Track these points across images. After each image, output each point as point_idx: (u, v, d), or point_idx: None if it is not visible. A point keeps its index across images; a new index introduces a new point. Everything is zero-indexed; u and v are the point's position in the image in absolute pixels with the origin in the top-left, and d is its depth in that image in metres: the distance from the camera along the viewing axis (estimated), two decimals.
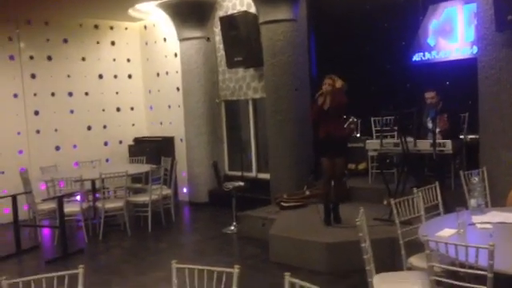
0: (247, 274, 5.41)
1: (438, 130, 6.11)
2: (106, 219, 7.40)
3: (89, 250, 6.90)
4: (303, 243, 5.72)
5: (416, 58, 7.77)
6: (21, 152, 9.13)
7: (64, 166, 9.04)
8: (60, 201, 6.67)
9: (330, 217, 6.09)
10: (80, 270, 2.87)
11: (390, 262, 4.96)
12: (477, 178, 4.13)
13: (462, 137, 6.68)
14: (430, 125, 6.37)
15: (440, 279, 3.06)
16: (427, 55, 7.64)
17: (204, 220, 8.50)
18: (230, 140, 9.69)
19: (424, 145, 5.91)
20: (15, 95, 9.08)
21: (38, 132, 9.34)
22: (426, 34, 7.63)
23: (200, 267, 2.80)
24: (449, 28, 7.37)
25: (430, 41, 7.60)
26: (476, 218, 3.76)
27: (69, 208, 7.10)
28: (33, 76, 9.29)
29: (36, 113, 9.32)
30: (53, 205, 7.10)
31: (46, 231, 8.00)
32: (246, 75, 8.97)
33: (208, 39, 9.06)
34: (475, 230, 3.54)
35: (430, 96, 6.42)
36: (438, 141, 5.77)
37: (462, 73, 6.89)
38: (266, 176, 8.45)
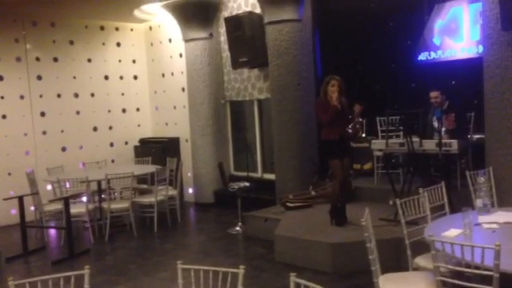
0: (252, 275, 5.43)
1: (444, 129, 6.08)
2: (112, 220, 7.43)
3: (95, 251, 6.93)
4: (308, 243, 5.71)
5: (421, 57, 7.75)
6: (27, 153, 9.18)
7: (70, 166, 9.08)
8: (66, 202, 6.70)
9: (340, 217, 6.08)
10: (86, 271, 2.88)
11: (396, 262, 4.95)
12: (483, 178, 4.10)
13: (468, 136, 6.65)
14: (436, 124, 6.35)
15: (446, 279, 3.05)
16: (433, 54, 7.62)
17: (209, 220, 8.51)
18: (236, 140, 9.70)
19: (430, 145, 5.89)
20: (21, 97, 9.13)
21: (44, 133, 9.39)
22: (432, 33, 7.61)
23: (205, 268, 2.81)
24: (454, 27, 7.35)
25: (436, 40, 7.58)
26: (482, 218, 3.75)
27: (75, 209, 7.13)
28: (39, 77, 9.34)
29: (42, 114, 9.37)
30: (59, 206, 7.14)
31: (53, 232, 8.04)
32: (251, 76, 8.98)
33: (211, 34, 9.07)
34: (481, 230, 3.53)
35: (433, 96, 6.43)
36: (443, 140, 5.74)
37: (467, 72, 6.87)
38: (271, 176, 8.45)
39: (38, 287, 2.76)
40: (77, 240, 7.17)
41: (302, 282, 2.46)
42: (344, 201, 6.17)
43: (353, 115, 5.96)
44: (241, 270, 2.72)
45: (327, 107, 5.87)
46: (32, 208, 7.66)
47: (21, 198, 6.94)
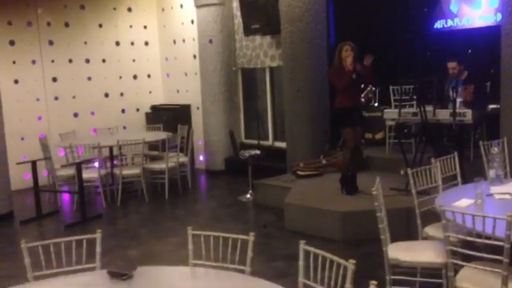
0: (262, 242, 5.48)
1: (460, 99, 5.97)
2: (123, 186, 7.50)
3: (107, 216, 7.03)
4: (318, 212, 5.73)
5: (438, 25, 7.58)
6: (40, 118, 9.23)
7: (82, 132, 9.13)
8: (79, 167, 6.77)
9: (350, 186, 6.07)
10: (98, 235, 2.92)
11: (405, 231, 4.95)
12: (496, 149, 4.05)
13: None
14: (451, 93, 6.24)
15: (456, 249, 3.05)
16: (449, 22, 7.45)
17: (220, 188, 8.57)
18: (247, 108, 9.66)
19: (443, 114, 5.81)
20: (33, 61, 9.12)
21: (56, 98, 9.41)
22: (449, 0, 7.41)
23: (215, 234, 2.83)
24: None
25: (453, 7, 7.39)
26: (494, 189, 3.72)
27: (87, 174, 7.21)
28: (50, 42, 9.30)
29: (54, 79, 9.37)
30: (72, 171, 7.21)
31: (66, 196, 8.15)
32: (263, 43, 8.86)
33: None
34: (493, 201, 3.50)
35: (451, 66, 6.27)
36: (457, 110, 5.66)
37: (484, 41, 6.71)
38: (282, 145, 8.44)
39: (50, 250, 2.81)
40: (89, 205, 7.27)
41: (311, 249, 2.47)
42: (355, 170, 6.15)
43: (365, 69, 5.80)
44: (251, 237, 2.73)
45: (342, 73, 5.77)
46: (45, 173, 7.76)
47: (34, 163, 7.02)
